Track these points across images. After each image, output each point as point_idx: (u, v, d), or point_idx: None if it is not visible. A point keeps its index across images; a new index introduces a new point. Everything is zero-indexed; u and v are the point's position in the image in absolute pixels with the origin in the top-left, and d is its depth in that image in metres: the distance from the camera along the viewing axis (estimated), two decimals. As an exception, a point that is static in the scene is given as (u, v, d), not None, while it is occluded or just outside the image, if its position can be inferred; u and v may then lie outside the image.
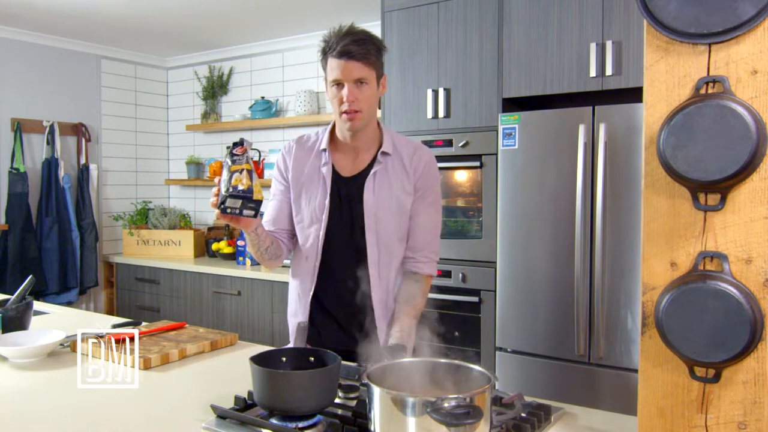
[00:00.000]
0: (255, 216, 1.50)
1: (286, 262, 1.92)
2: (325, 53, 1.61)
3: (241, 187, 1.43)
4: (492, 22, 2.85)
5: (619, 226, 2.45)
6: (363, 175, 1.71)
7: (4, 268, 4.01)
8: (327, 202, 1.70)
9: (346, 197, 1.71)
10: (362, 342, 1.65)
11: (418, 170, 1.72)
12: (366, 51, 1.57)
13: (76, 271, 4.31)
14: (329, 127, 1.76)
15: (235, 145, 1.50)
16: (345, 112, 1.60)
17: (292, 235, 1.80)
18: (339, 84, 1.59)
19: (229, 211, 1.46)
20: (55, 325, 2.01)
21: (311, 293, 1.74)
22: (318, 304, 1.76)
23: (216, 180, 1.53)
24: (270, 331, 3.70)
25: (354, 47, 1.55)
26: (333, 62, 1.58)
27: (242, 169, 1.45)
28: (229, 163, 1.47)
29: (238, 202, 1.44)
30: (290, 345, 1.80)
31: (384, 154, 1.71)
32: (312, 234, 1.72)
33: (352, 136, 1.69)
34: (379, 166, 1.70)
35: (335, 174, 1.72)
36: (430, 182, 1.74)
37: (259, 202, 1.46)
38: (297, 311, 1.80)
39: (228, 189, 1.43)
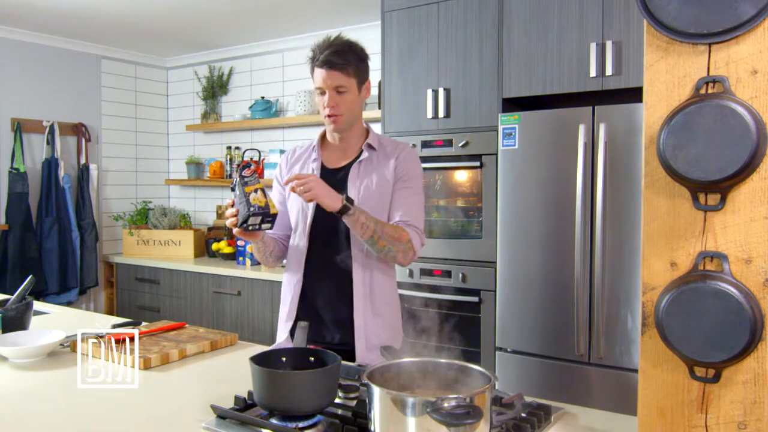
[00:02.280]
0: (271, 228, 1.68)
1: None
2: (312, 63, 1.76)
3: (259, 205, 1.60)
4: (492, 22, 2.85)
5: (619, 226, 2.45)
6: (349, 165, 1.83)
7: (4, 268, 4.01)
8: None
9: (333, 186, 1.77)
10: (341, 328, 1.75)
11: (400, 158, 1.82)
12: (345, 61, 1.70)
13: (76, 271, 4.31)
14: (321, 130, 1.92)
15: (244, 167, 1.66)
16: (328, 115, 1.75)
17: (289, 238, 1.91)
18: (321, 91, 1.74)
19: (251, 228, 1.63)
20: (55, 325, 2.01)
21: (301, 278, 1.82)
22: (305, 289, 1.82)
23: (226, 202, 1.67)
24: (270, 331, 3.70)
25: (334, 58, 1.69)
26: (317, 72, 1.73)
27: (257, 189, 1.61)
28: (242, 185, 1.62)
29: (258, 219, 1.61)
30: (279, 342, 1.84)
31: (369, 146, 1.83)
32: (301, 221, 1.82)
33: (340, 137, 1.83)
34: (364, 156, 1.81)
35: (324, 168, 1.85)
36: (410, 169, 1.82)
37: (275, 216, 1.64)
38: (286, 300, 1.86)
39: (249, 209, 1.59)
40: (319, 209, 1.77)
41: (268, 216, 1.62)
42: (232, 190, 1.66)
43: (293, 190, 1.60)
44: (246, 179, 1.63)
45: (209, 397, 1.34)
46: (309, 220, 1.80)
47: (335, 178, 1.80)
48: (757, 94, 0.86)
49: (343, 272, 1.76)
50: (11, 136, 4.10)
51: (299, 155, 1.92)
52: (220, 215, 4.74)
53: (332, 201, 1.61)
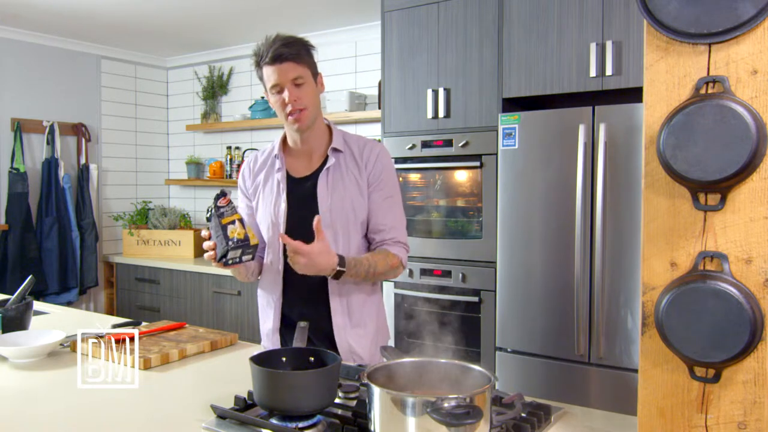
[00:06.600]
0: (252, 259, 1.60)
1: None
2: (258, 64, 1.67)
3: (238, 238, 1.51)
4: (492, 22, 2.85)
5: (619, 226, 2.45)
6: (316, 173, 1.74)
7: (4, 268, 4.01)
8: (284, 205, 1.73)
9: (301, 197, 1.72)
10: (323, 341, 1.72)
11: (370, 162, 1.74)
12: (296, 51, 1.63)
13: (76, 271, 4.31)
14: (281, 135, 1.81)
15: (218, 197, 1.55)
16: (290, 113, 1.65)
17: (263, 251, 1.84)
18: (278, 89, 1.65)
19: (231, 262, 1.54)
20: (55, 325, 2.01)
21: (281, 296, 1.76)
22: (286, 308, 1.77)
23: (203, 234, 1.59)
24: (270, 331, 3.69)
25: (284, 49, 1.61)
26: (268, 69, 1.64)
27: (233, 220, 1.52)
28: (218, 216, 1.53)
29: (239, 251, 1.53)
30: (264, 344, 1.83)
31: (335, 150, 1.74)
32: (275, 236, 1.74)
33: (302, 139, 1.73)
34: (331, 162, 1.73)
35: (289, 177, 1.76)
36: (383, 173, 1.75)
37: (256, 246, 1.56)
38: (267, 318, 1.82)
39: (227, 243, 1.51)
40: (290, 223, 1.71)
41: (248, 248, 1.54)
42: (208, 220, 1.56)
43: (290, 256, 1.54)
44: (222, 210, 1.52)
45: (209, 397, 1.34)
46: None
47: (303, 188, 1.73)
48: (757, 94, 0.86)
49: (321, 287, 1.72)
50: (11, 136, 4.10)
51: (262, 163, 1.82)
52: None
53: (323, 272, 1.58)
